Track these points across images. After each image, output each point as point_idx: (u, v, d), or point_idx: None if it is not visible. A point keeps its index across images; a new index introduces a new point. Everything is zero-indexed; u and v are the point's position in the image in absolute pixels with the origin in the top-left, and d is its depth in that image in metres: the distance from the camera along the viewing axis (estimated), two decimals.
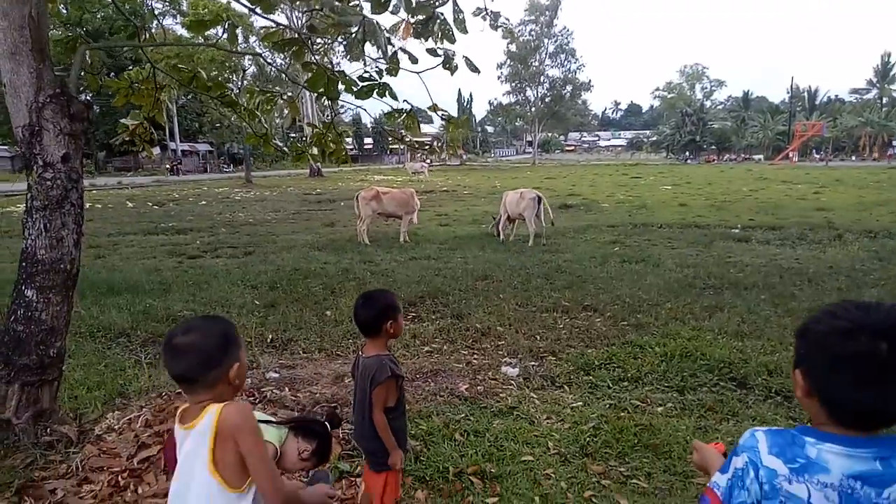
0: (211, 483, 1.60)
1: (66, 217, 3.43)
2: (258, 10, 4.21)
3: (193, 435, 1.64)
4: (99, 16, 34.08)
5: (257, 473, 1.62)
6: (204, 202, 23.80)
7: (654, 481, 3.43)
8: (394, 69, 4.52)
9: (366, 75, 4.52)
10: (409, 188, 14.95)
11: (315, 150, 5.51)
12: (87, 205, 19.64)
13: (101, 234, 14.56)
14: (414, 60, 4.53)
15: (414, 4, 4.12)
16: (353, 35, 3.58)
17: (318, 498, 1.90)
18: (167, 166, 48.64)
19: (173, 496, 1.72)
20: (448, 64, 4.42)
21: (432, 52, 4.39)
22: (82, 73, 4.64)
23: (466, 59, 4.44)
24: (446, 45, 4.38)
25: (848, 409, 1.17)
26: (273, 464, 1.74)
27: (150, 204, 22.73)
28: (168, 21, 39.29)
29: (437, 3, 4.22)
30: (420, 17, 4.19)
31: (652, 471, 3.52)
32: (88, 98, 4.14)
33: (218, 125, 47.52)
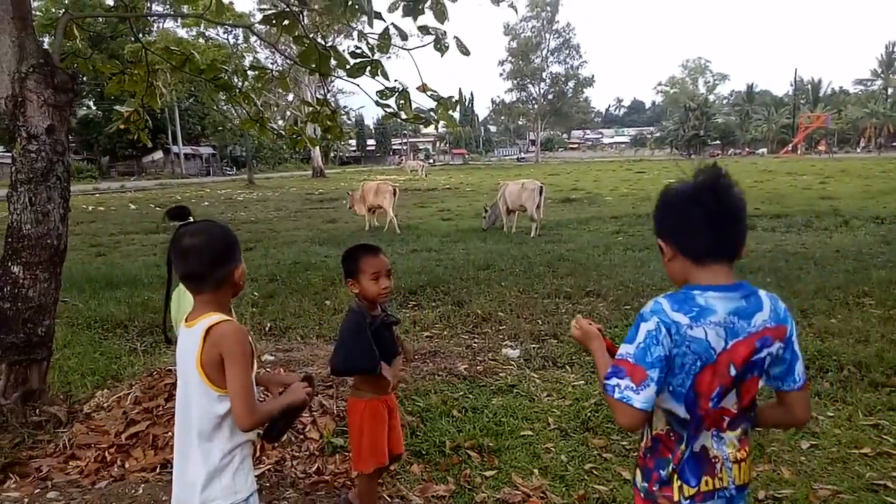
0: (197, 376, 1.74)
1: (52, 191, 3.36)
2: None
3: (191, 333, 1.77)
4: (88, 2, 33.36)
5: (232, 394, 1.71)
6: (206, 203, 23.79)
7: None
8: (385, 45, 4.45)
9: (358, 51, 4.46)
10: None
11: (310, 131, 5.43)
12: (90, 208, 19.52)
13: (102, 234, 14.53)
14: (404, 37, 4.46)
15: None
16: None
17: (295, 395, 1.89)
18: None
19: (179, 388, 1.86)
20: (439, 44, 4.34)
21: (423, 29, 4.32)
22: (73, 57, 4.60)
23: (457, 39, 4.36)
24: (437, 25, 4.30)
25: (703, 246, 1.53)
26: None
27: (153, 206, 22.71)
28: (169, 24, 39.44)
29: None
30: None
31: None
32: (73, 73, 3.97)
33: (220, 128, 47.54)
